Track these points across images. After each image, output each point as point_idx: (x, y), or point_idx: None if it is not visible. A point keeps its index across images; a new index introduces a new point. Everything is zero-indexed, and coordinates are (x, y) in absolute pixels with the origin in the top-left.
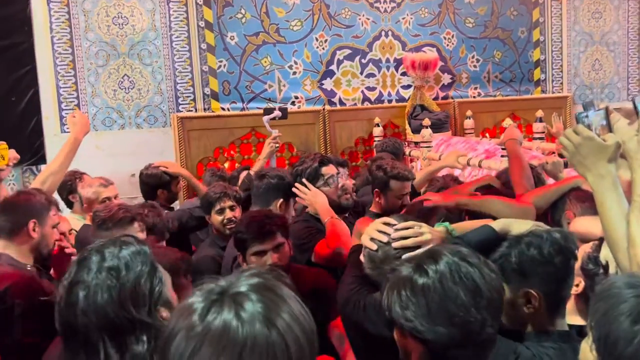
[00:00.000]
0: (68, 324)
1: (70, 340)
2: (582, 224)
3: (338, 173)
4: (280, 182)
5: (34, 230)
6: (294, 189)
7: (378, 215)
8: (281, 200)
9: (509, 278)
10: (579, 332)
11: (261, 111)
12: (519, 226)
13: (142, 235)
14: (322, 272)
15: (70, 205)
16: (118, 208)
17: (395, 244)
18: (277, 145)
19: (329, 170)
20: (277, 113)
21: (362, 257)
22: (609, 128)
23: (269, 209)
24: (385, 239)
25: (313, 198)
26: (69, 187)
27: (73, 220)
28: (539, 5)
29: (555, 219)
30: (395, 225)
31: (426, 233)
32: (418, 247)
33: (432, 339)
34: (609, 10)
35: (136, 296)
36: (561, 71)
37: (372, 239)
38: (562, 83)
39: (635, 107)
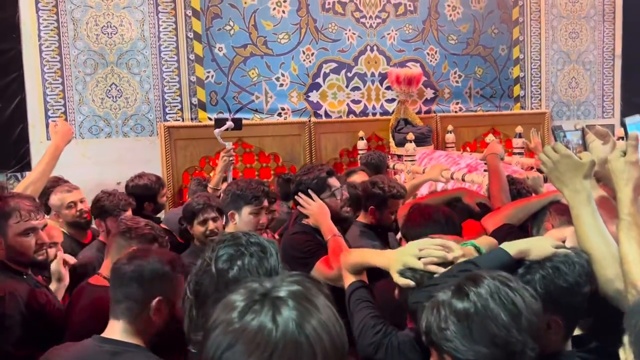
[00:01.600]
0: None
1: None
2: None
3: (342, 185)
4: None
5: None
6: (297, 198)
7: (368, 227)
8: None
9: None
10: (576, 343)
11: (255, 120)
12: (538, 251)
13: None
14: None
15: (48, 211)
16: (145, 224)
17: (428, 266)
18: (231, 158)
19: (335, 182)
20: (229, 124)
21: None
22: (584, 147)
23: None
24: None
25: (318, 210)
26: (48, 193)
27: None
28: (519, 24)
29: (534, 230)
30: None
31: (456, 249)
32: (451, 263)
33: (474, 359)
34: (585, 30)
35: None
36: (540, 88)
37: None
38: (540, 100)
39: (624, 127)
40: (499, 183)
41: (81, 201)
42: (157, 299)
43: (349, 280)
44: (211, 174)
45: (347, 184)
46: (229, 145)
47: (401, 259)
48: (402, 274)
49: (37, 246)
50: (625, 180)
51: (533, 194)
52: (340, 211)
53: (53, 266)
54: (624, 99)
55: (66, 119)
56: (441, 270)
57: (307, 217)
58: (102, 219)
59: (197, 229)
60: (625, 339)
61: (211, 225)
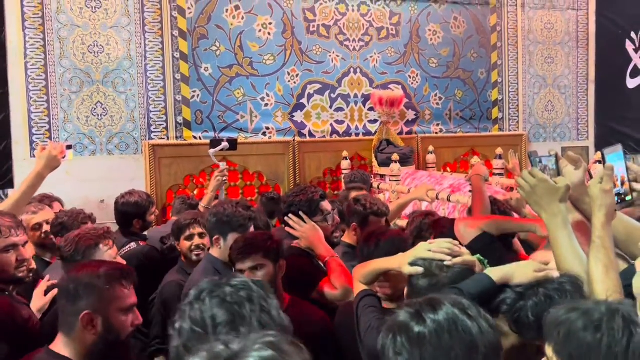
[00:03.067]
0: None
1: None
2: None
3: (333, 210)
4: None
5: None
6: (287, 219)
7: (352, 247)
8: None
9: (525, 331)
10: None
11: (239, 139)
12: (521, 276)
13: (113, 253)
14: (326, 318)
15: None
16: (79, 237)
17: (437, 255)
18: (224, 178)
19: (327, 206)
20: (224, 145)
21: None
22: (558, 172)
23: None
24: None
25: (311, 232)
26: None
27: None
28: (497, 49)
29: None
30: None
31: (467, 254)
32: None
33: None
34: (560, 56)
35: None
36: (517, 111)
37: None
38: (518, 122)
39: (603, 158)
40: (482, 204)
41: (47, 222)
42: (84, 313)
43: (358, 289)
44: (195, 192)
45: (332, 200)
46: (223, 165)
47: (412, 254)
48: (412, 264)
49: (18, 262)
50: (599, 206)
51: (515, 215)
52: (331, 236)
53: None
54: (597, 122)
55: (50, 137)
56: (448, 259)
57: (295, 238)
58: (62, 235)
59: (184, 244)
60: (549, 349)
61: (197, 240)
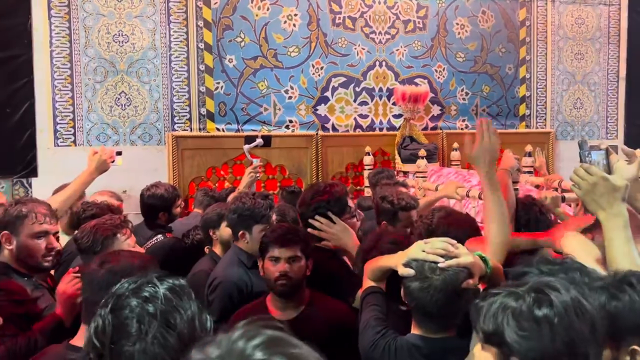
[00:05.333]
0: None
1: None
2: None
3: (355, 206)
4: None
5: (7, 242)
6: (312, 222)
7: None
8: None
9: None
10: None
11: (262, 131)
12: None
13: (132, 242)
14: (350, 311)
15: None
16: (95, 228)
17: (430, 256)
18: (257, 175)
19: (351, 202)
20: (259, 141)
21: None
22: (609, 168)
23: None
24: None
25: (343, 233)
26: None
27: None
28: (526, 44)
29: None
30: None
31: (465, 255)
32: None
33: None
34: (590, 52)
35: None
36: (545, 108)
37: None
38: (545, 119)
39: None
40: (506, 201)
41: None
42: None
43: (366, 284)
44: (216, 185)
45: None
46: (256, 161)
47: (407, 254)
48: (406, 265)
49: (46, 250)
50: None
51: (551, 215)
52: (358, 233)
53: None
54: (627, 120)
55: (74, 126)
56: (441, 260)
57: (319, 240)
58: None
59: (226, 230)
60: (475, 335)
61: None
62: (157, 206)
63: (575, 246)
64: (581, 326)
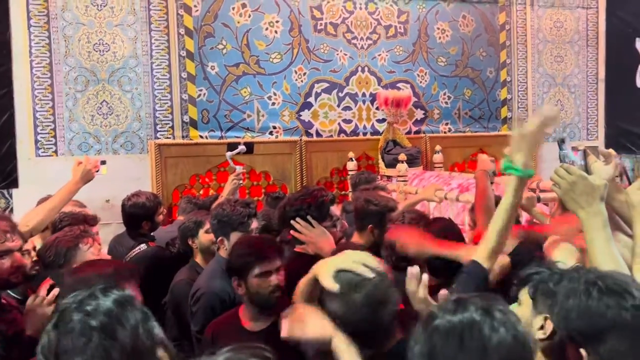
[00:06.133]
0: None
1: None
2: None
3: (341, 215)
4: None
5: None
6: (293, 223)
7: (366, 248)
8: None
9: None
10: None
11: (246, 138)
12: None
13: (96, 251)
14: None
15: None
16: (57, 241)
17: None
18: (240, 182)
19: (336, 210)
20: (241, 148)
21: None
22: (587, 168)
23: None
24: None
25: (322, 238)
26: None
27: (37, 241)
28: (506, 48)
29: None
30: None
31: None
32: None
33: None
34: (569, 55)
35: (138, 354)
36: (526, 110)
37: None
38: (527, 121)
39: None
40: (484, 201)
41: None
42: None
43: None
44: (200, 192)
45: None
46: (239, 168)
47: (333, 264)
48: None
49: (13, 269)
50: None
51: (525, 213)
52: (337, 243)
53: None
54: (607, 121)
55: (55, 136)
56: (368, 272)
57: (301, 243)
58: None
59: (205, 237)
60: (523, 294)
61: None
62: (140, 215)
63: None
64: None
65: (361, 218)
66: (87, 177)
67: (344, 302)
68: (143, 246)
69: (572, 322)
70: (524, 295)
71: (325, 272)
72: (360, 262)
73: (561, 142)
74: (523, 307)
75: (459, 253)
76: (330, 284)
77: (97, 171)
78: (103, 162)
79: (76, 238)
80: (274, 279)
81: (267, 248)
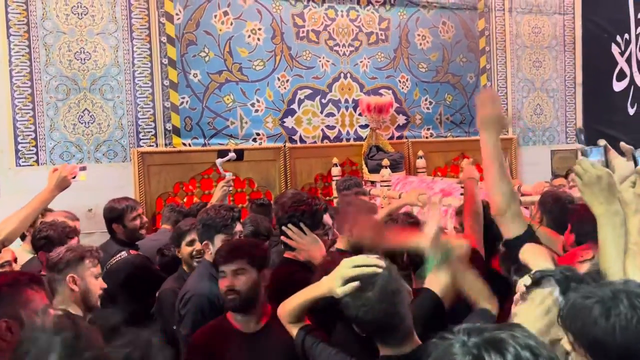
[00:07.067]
0: None
1: None
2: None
3: (333, 224)
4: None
5: None
6: (285, 230)
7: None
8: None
9: None
10: None
11: (229, 145)
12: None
13: (95, 271)
14: None
15: (23, 237)
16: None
17: (364, 269)
18: (230, 188)
19: (328, 219)
20: (231, 155)
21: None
22: (607, 164)
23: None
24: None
25: (313, 246)
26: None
27: (22, 253)
28: (486, 54)
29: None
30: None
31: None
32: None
33: None
34: (547, 60)
35: None
36: (506, 114)
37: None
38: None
39: (634, 159)
40: (473, 207)
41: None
42: None
43: (292, 332)
44: (184, 200)
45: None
46: (229, 175)
47: (338, 275)
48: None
49: None
50: (634, 211)
51: None
52: (328, 250)
53: None
54: (585, 125)
55: (36, 145)
56: (381, 263)
57: (291, 249)
58: (48, 249)
59: (185, 249)
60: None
61: (198, 245)
62: (108, 218)
63: (531, 254)
64: None
65: (340, 220)
66: (62, 185)
67: (360, 303)
68: (124, 254)
69: (609, 343)
70: (538, 295)
71: (335, 286)
72: (359, 263)
73: (580, 132)
74: (532, 307)
75: (419, 241)
76: (347, 288)
77: (74, 178)
78: (83, 169)
79: (85, 252)
80: (226, 281)
81: (228, 251)
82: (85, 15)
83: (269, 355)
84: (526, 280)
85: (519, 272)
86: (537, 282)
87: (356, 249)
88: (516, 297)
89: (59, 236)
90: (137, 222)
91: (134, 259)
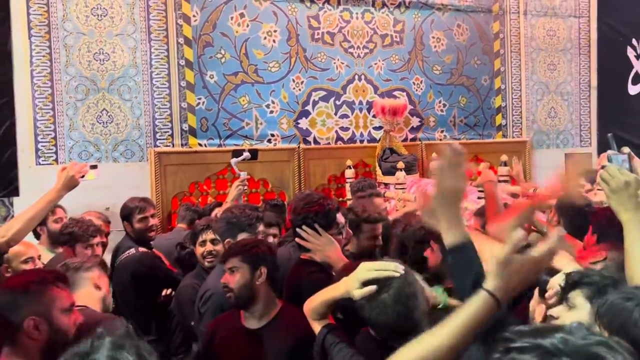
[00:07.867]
0: None
1: None
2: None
3: (346, 222)
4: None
5: None
6: (299, 231)
7: (354, 255)
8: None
9: None
10: None
11: (244, 146)
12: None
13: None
14: None
15: (37, 236)
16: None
17: (382, 273)
18: (245, 188)
19: (341, 218)
20: (246, 155)
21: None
22: (631, 171)
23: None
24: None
25: (330, 246)
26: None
27: (41, 252)
28: (500, 56)
29: None
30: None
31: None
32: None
33: None
34: (562, 62)
35: None
36: (520, 117)
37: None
38: (521, 128)
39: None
40: (494, 209)
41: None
42: (27, 319)
43: (315, 328)
44: (199, 199)
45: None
46: (244, 174)
47: (356, 277)
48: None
49: None
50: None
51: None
52: (342, 249)
53: None
54: (600, 128)
55: (55, 144)
56: (400, 268)
57: (306, 251)
58: (71, 245)
59: (198, 249)
60: (576, 296)
61: (209, 246)
62: (121, 216)
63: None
64: None
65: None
66: (70, 184)
67: (374, 305)
68: (132, 250)
69: None
70: (578, 298)
71: (352, 288)
72: (378, 267)
73: (611, 138)
74: (580, 312)
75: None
76: (365, 291)
77: (83, 177)
78: (93, 167)
79: (96, 263)
80: (222, 279)
81: (229, 248)
82: (104, 16)
83: (268, 353)
84: (559, 279)
85: (547, 271)
86: (574, 284)
87: (364, 253)
88: (549, 294)
89: (83, 234)
90: (143, 224)
91: (140, 256)
